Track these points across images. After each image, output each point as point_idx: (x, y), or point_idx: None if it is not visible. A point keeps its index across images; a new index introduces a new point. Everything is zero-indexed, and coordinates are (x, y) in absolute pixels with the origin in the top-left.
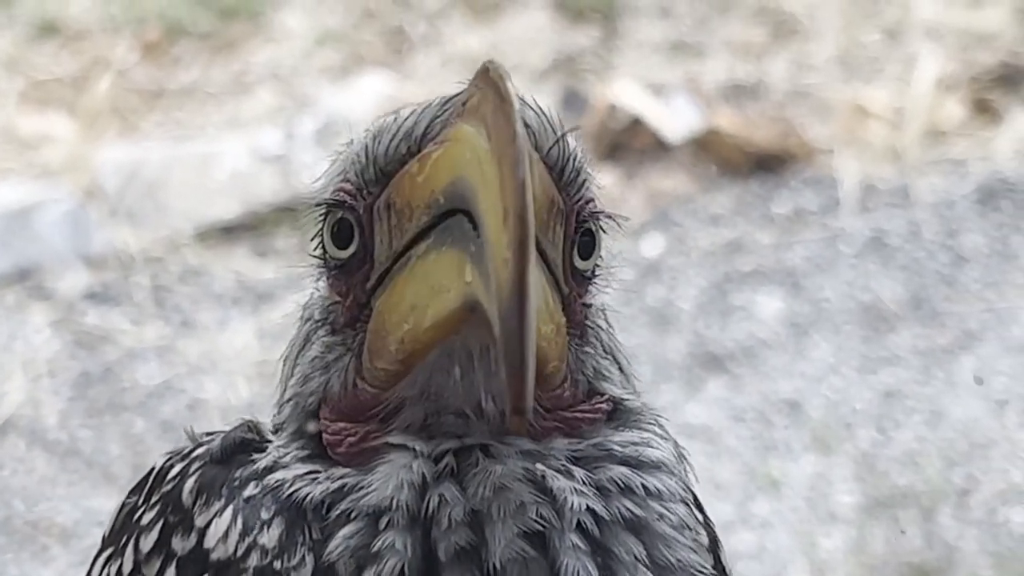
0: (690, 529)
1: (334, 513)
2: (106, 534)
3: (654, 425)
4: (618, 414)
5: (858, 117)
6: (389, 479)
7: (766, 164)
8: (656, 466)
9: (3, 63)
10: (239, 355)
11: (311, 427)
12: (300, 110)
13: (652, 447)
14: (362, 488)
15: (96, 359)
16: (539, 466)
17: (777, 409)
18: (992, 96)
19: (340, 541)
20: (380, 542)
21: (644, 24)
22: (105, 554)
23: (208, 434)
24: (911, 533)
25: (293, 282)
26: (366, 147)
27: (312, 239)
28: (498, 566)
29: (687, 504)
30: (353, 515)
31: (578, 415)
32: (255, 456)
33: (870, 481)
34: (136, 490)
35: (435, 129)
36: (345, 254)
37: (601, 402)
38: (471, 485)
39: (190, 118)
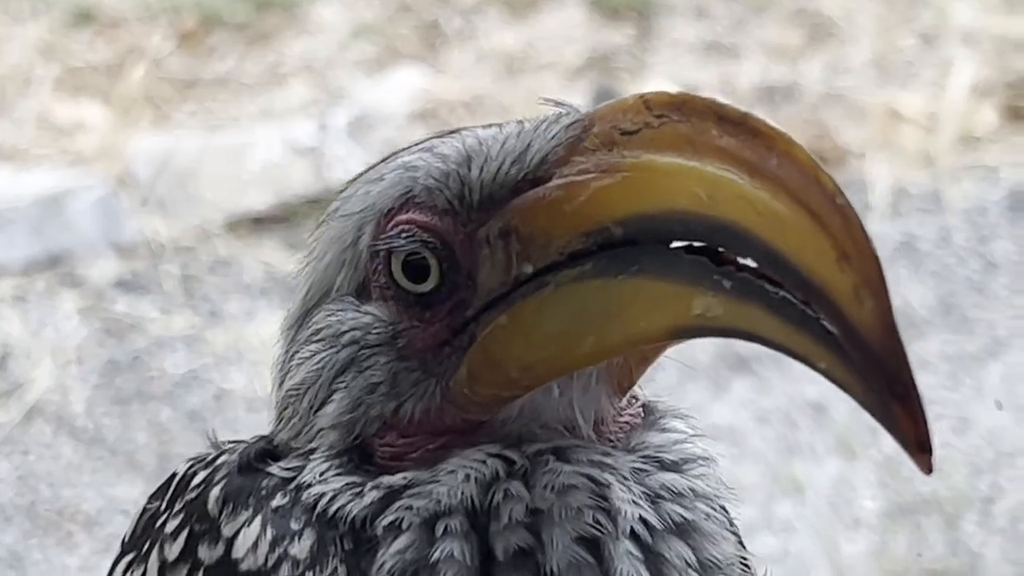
0: (731, 523)
1: (381, 524)
2: (126, 538)
3: (685, 422)
4: (649, 415)
5: (892, 121)
6: (457, 472)
7: None
8: (699, 464)
9: (39, 50)
10: (266, 346)
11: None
12: (334, 102)
13: (689, 444)
14: (419, 487)
15: (124, 347)
16: (606, 475)
17: (802, 412)
18: None
19: (394, 556)
20: (438, 552)
21: (679, 24)
22: (126, 559)
23: (231, 441)
24: (934, 540)
25: None
26: (457, 173)
27: (338, 246)
28: (555, 570)
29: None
30: (405, 525)
31: (624, 421)
32: (280, 467)
33: (893, 487)
34: (157, 495)
35: (559, 154)
36: (423, 288)
37: (638, 407)
38: (538, 484)
39: (223, 108)
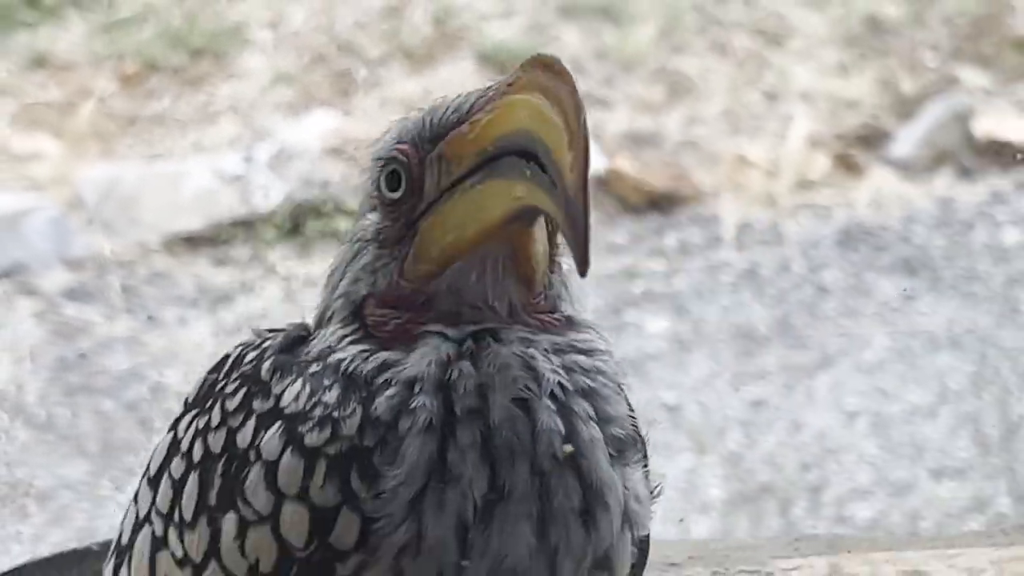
0: (622, 394)
1: (378, 381)
2: (189, 400)
3: (596, 330)
4: (572, 322)
5: (739, 166)
6: (423, 357)
7: (659, 204)
8: (603, 353)
9: None
10: (197, 348)
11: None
12: (257, 139)
13: (598, 341)
14: (401, 364)
15: (72, 347)
16: (530, 350)
17: (659, 414)
18: (854, 153)
19: (383, 400)
20: (414, 401)
21: None
22: (191, 414)
23: (270, 330)
24: (770, 523)
25: (245, 287)
26: (422, 119)
27: (368, 181)
28: (496, 422)
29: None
30: (393, 382)
31: (547, 319)
32: (311, 345)
33: (736, 477)
34: (214, 370)
35: (479, 104)
36: (395, 195)
37: (562, 315)
38: (482, 363)
39: (161, 142)
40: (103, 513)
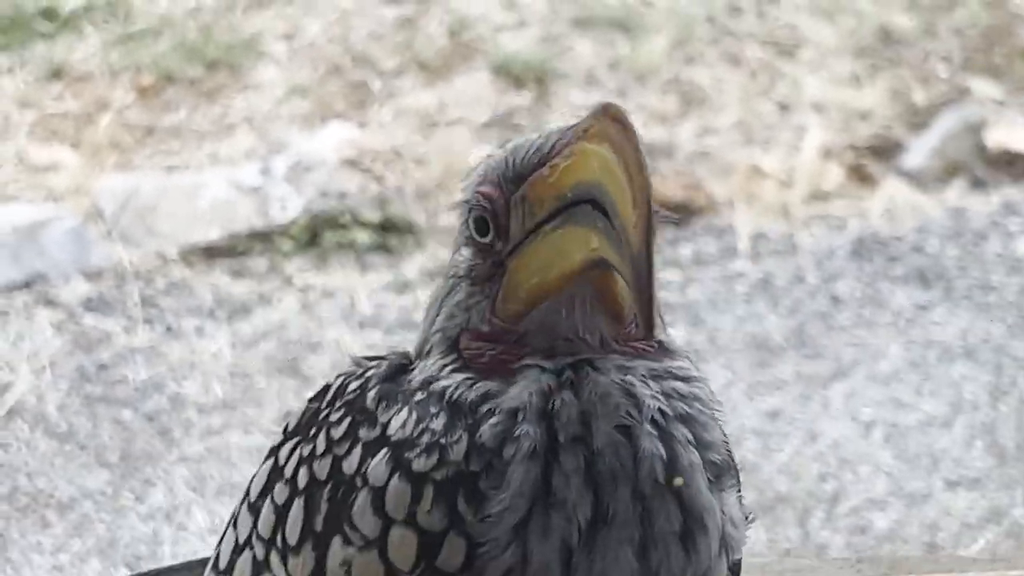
0: (717, 420)
1: (482, 410)
2: (289, 427)
3: (689, 357)
4: (665, 349)
5: (753, 177)
6: (524, 388)
7: (674, 214)
8: (698, 380)
9: (17, 101)
10: (214, 359)
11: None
12: (273, 150)
13: (693, 369)
14: (503, 394)
15: (92, 357)
16: (628, 378)
17: None
18: (867, 163)
19: (488, 428)
20: (518, 429)
21: (573, 89)
22: (292, 441)
23: (370, 359)
24: (788, 533)
25: (263, 298)
26: (505, 159)
27: (459, 219)
28: (599, 449)
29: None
30: (497, 411)
31: (641, 346)
32: (412, 375)
33: (753, 487)
34: (316, 399)
35: (558, 147)
36: (484, 240)
37: (655, 342)
38: (583, 392)
39: (178, 153)
40: (124, 523)
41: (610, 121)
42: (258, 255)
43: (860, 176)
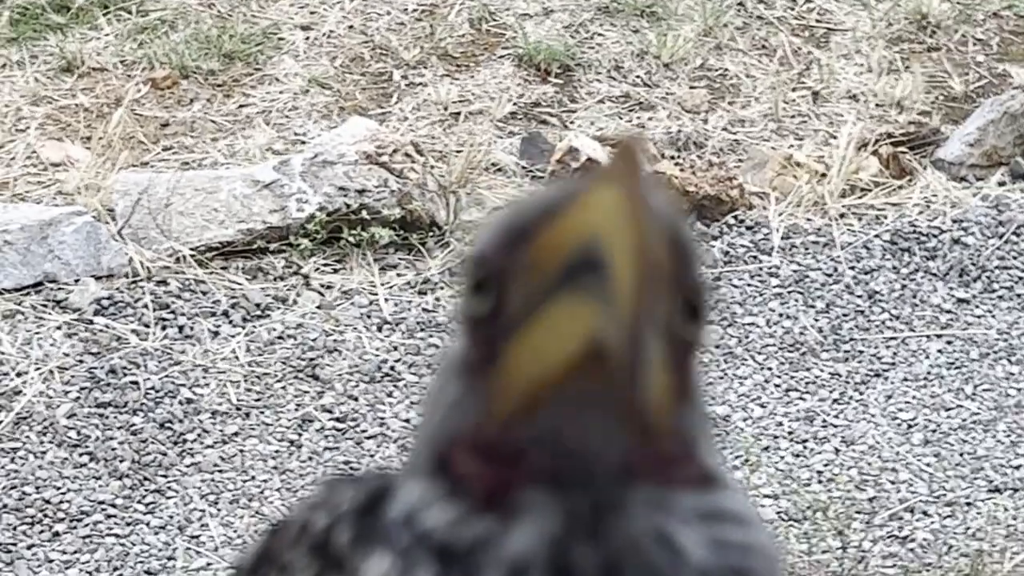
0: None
1: (476, 559)
2: (239, 571)
3: (735, 491)
4: (709, 477)
5: (787, 169)
6: (526, 532)
7: (705, 207)
8: (755, 522)
9: (27, 96)
10: (230, 362)
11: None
12: (291, 145)
13: (745, 508)
14: (503, 538)
15: (103, 361)
16: (664, 520)
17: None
18: (904, 154)
19: None
20: None
21: (599, 79)
22: None
23: (340, 478)
24: (827, 541)
25: (280, 298)
26: (511, 215)
27: (460, 293)
28: None
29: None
30: (496, 563)
31: (680, 475)
32: (396, 503)
33: (790, 492)
34: (273, 537)
35: (564, 205)
36: (482, 311)
37: (700, 471)
38: (604, 541)
39: (192, 149)
40: (135, 536)
41: (621, 165)
42: (275, 254)
43: (896, 167)
